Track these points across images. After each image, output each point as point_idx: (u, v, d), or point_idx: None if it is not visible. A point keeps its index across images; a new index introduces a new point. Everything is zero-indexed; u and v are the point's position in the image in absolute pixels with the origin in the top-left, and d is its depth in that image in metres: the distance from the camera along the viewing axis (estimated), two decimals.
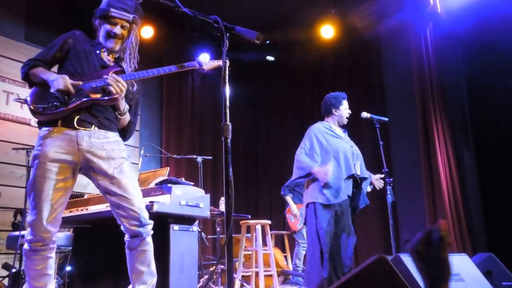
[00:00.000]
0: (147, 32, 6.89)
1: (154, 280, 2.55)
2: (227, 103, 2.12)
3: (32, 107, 2.41)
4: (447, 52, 6.29)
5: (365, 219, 7.00)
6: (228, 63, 2.15)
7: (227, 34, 2.17)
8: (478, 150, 6.24)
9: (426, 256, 1.09)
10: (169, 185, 3.35)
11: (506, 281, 3.10)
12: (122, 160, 2.55)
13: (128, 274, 2.53)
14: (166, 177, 3.69)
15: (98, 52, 2.62)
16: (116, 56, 2.69)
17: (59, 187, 2.39)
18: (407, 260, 2.54)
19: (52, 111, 2.40)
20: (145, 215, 2.50)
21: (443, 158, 5.89)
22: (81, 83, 2.45)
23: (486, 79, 5.95)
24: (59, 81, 2.39)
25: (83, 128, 2.46)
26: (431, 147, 5.96)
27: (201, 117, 7.89)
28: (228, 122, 2.10)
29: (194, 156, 5.44)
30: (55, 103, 2.40)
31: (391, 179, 4.16)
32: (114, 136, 2.61)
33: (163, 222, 3.27)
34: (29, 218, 2.36)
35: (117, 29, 2.60)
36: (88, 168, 2.49)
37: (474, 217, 5.91)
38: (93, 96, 2.47)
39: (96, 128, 2.51)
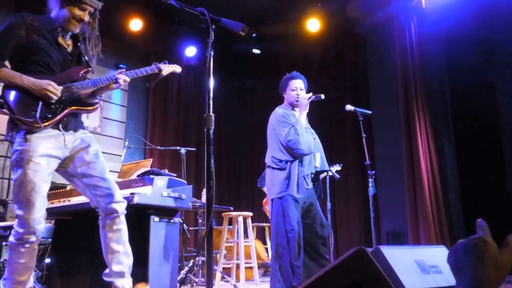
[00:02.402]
0: (136, 25, 6.90)
1: (130, 261, 2.62)
2: (211, 94, 2.14)
3: (20, 119, 2.36)
4: (431, 46, 6.35)
5: (347, 211, 7.06)
6: (212, 54, 2.16)
7: (213, 26, 2.21)
8: (458, 143, 6.34)
9: (493, 249, 1.02)
10: (151, 176, 3.33)
11: None
12: (97, 147, 2.68)
13: (104, 258, 2.57)
14: (148, 169, 3.65)
15: (57, 40, 2.56)
16: (73, 38, 2.67)
17: (47, 180, 2.46)
18: (387, 252, 2.56)
19: (43, 122, 2.39)
20: (119, 194, 2.63)
21: (424, 151, 5.96)
22: (62, 88, 2.47)
23: (467, 73, 6.04)
24: (51, 91, 2.39)
25: (66, 131, 2.54)
26: (413, 140, 6.02)
27: (187, 109, 7.84)
28: (211, 113, 2.11)
29: (178, 148, 5.41)
30: (46, 114, 2.41)
31: (373, 172, 4.18)
32: (87, 132, 2.72)
33: (143, 214, 3.25)
34: (20, 212, 2.37)
35: (86, 15, 2.60)
36: (67, 159, 2.57)
37: (453, 210, 6.02)
38: (76, 106, 2.55)
39: (74, 131, 2.60)
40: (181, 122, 7.66)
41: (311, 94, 3.65)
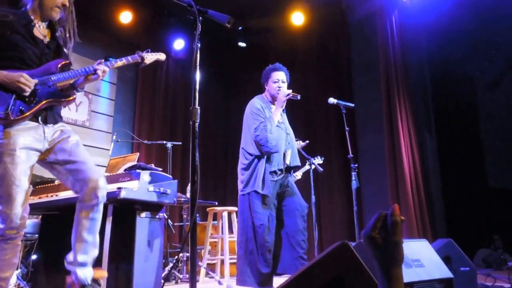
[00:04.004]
0: (126, 17, 6.94)
1: (96, 252, 2.58)
2: (197, 87, 2.16)
3: None
4: (412, 40, 6.43)
5: (330, 204, 7.09)
6: (199, 46, 2.16)
7: (200, 17, 2.22)
8: (439, 137, 6.43)
9: (379, 241, 1.10)
10: (137, 170, 3.31)
11: (464, 266, 3.19)
12: (77, 137, 2.66)
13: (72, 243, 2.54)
14: (135, 163, 3.63)
15: (32, 33, 2.53)
16: (50, 27, 2.64)
17: (28, 173, 2.42)
18: None
19: (17, 116, 2.37)
20: (103, 180, 2.58)
21: (406, 144, 6.02)
22: (36, 81, 2.44)
23: (447, 66, 6.13)
24: (23, 83, 2.35)
25: (45, 124, 2.52)
26: (395, 133, 6.08)
27: (174, 102, 7.82)
28: (197, 106, 2.11)
29: (164, 142, 5.39)
30: (20, 107, 2.38)
31: (356, 165, 4.20)
32: (66, 125, 2.70)
33: (130, 209, 3.23)
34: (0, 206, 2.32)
35: (66, 0, 2.59)
36: (46, 151, 2.54)
37: (435, 203, 6.10)
38: (52, 98, 2.51)
39: (53, 124, 2.58)
40: (168, 116, 7.63)
41: (290, 91, 3.62)
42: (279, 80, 3.73)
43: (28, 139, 2.42)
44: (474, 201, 5.86)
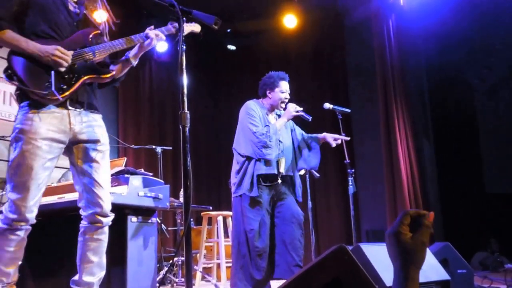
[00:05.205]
0: (101, 17, 6.66)
1: (102, 273, 2.49)
2: (185, 91, 2.07)
3: (34, 92, 2.17)
4: (409, 45, 6.40)
5: (327, 210, 7.06)
6: (184, 49, 2.09)
7: (184, 18, 2.11)
8: (437, 141, 6.41)
9: (406, 238, 1.11)
10: (126, 175, 3.26)
11: (461, 269, 3.19)
12: (107, 147, 2.51)
13: (77, 264, 2.45)
14: (123, 168, 3.57)
15: (64, 2, 2.42)
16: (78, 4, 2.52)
17: (47, 166, 2.28)
18: (367, 249, 2.55)
19: (59, 94, 2.20)
20: (109, 207, 2.47)
21: (403, 150, 6.00)
22: (72, 53, 2.28)
23: (446, 71, 6.11)
24: (59, 56, 2.19)
25: (74, 109, 2.35)
26: (392, 138, 6.05)
27: (161, 105, 7.64)
28: (186, 110, 2.05)
29: (153, 147, 5.29)
30: (60, 85, 2.22)
31: (353, 170, 4.16)
32: (100, 119, 2.53)
33: (120, 214, 3.18)
34: (13, 195, 2.21)
35: None
36: (73, 144, 2.39)
37: (432, 207, 6.07)
38: (92, 74, 2.36)
39: (84, 109, 2.41)
40: (155, 120, 7.45)
41: (301, 109, 3.58)
42: (286, 91, 3.64)
43: (52, 129, 2.25)
44: (472, 205, 5.85)
